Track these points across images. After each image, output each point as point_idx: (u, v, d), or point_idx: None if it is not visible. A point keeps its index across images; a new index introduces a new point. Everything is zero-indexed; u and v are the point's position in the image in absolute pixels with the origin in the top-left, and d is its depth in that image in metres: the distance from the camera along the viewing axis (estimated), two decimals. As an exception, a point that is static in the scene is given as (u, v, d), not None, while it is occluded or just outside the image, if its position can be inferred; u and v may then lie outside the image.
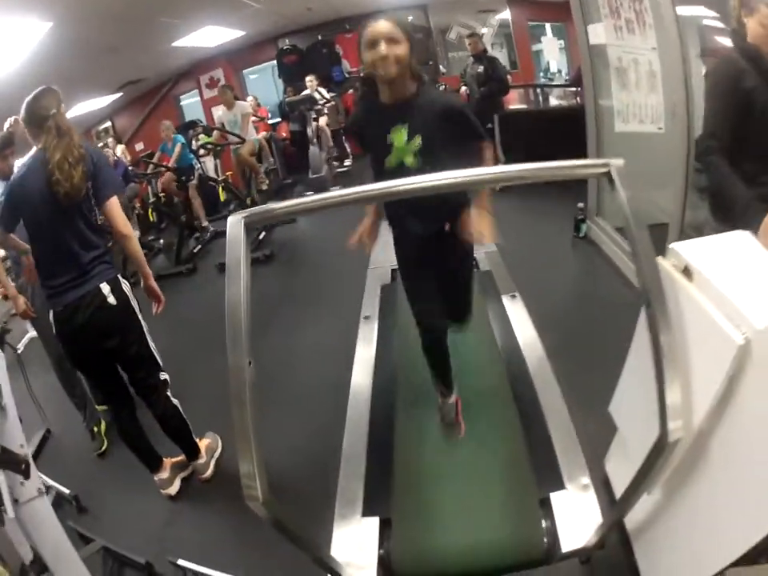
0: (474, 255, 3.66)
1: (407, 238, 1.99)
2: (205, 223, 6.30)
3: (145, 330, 2.22)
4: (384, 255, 3.41)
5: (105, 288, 2.04)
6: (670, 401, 1.06)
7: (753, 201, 1.60)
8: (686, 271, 1.32)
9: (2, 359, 1.47)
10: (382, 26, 1.62)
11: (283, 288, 4.17)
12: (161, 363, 2.30)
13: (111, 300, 2.05)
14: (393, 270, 3.48)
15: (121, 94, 7.60)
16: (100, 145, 8.26)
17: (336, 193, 1.20)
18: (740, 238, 1.46)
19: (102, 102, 7.44)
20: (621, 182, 1.08)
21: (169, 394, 2.32)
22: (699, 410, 1.24)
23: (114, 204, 2.09)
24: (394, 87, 1.70)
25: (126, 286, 2.14)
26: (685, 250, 1.36)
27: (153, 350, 2.26)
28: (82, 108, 6.89)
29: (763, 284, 1.20)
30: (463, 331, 2.37)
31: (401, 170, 1.72)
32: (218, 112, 6.49)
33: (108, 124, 8.46)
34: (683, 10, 2.77)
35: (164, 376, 2.31)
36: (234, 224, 1.15)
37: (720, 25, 2.56)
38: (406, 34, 1.64)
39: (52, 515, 1.51)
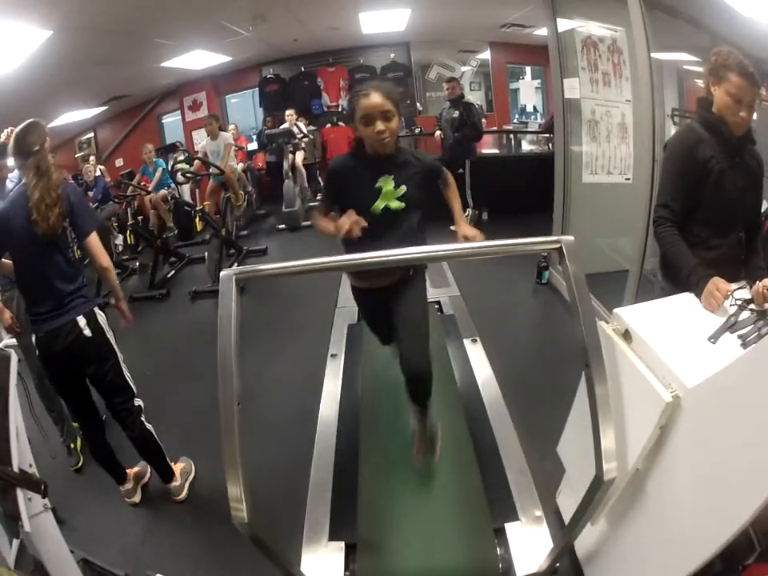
0: (439, 299, 3.83)
1: (368, 288, 2.16)
2: (170, 224, 6.56)
3: (120, 359, 2.33)
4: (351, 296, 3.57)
5: (81, 321, 2.16)
6: (604, 446, 1.23)
7: (697, 267, 1.72)
8: (626, 334, 1.50)
9: (14, 390, 1.57)
10: (376, 102, 1.77)
11: (253, 322, 4.15)
12: (135, 390, 2.40)
13: (87, 332, 2.17)
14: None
15: (106, 107, 7.66)
16: (80, 155, 8.31)
17: (323, 259, 1.33)
18: (684, 300, 1.65)
19: (87, 113, 7.48)
20: (570, 257, 1.25)
21: (143, 419, 2.42)
22: (634, 454, 1.42)
23: (93, 239, 2.23)
24: (384, 148, 1.87)
25: (101, 318, 2.25)
26: (627, 314, 1.54)
27: (127, 378, 2.36)
28: (68, 117, 6.94)
29: (698, 345, 1.39)
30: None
31: (385, 214, 1.91)
32: (202, 141, 6.51)
33: (91, 135, 8.47)
34: (664, 56, 2.96)
35: (138, 402, 2.41)
36: (226, 280, 1.27)
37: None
38: (396, 106, 1.82)
39: (56, 529, 1.62)
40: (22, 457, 1.51)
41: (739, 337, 1.37)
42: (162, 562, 2.16)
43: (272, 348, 3.79)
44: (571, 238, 1.27)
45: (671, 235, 1.88)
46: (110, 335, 2.27)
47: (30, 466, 1.57)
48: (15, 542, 1.46)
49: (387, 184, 1.90)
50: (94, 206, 6.31)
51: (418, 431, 2.21)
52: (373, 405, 2.64)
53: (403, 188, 1.91)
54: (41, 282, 2.11)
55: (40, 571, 1.50)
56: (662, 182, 2.00)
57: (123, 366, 2.34)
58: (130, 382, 2.37)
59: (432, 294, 3.78)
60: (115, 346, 2.30)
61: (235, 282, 1.26)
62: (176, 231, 6.70)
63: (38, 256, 2.09)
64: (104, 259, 2.26)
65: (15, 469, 1.44)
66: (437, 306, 3.83)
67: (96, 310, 2.23)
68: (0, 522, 1.44)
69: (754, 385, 1.09)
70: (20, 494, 1.41)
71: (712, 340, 1.40)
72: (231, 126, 7.84)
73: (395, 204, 1.91)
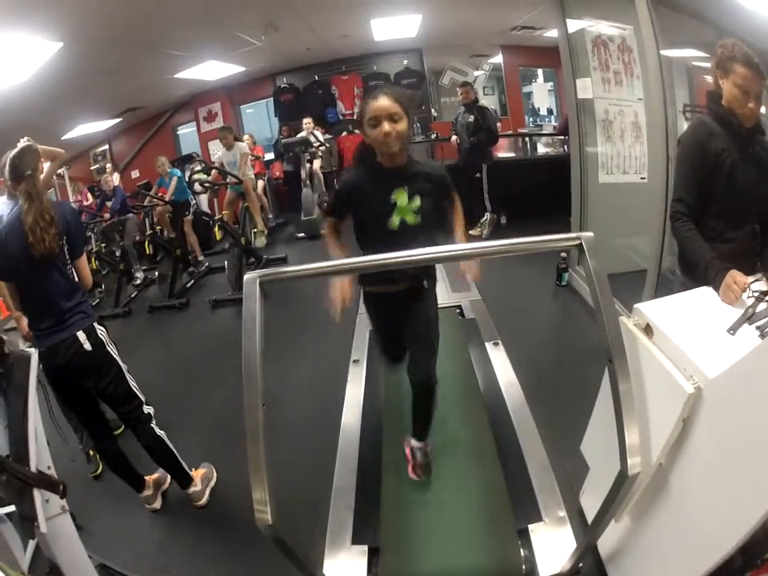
0: (460, 303, 3.83)
1: (378, 296, 2.20)
2: (201, 257, 6.48)
3: (124, 369, 2.35)
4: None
5: (81, 336, 2.19)
6: (628, 441, 1.23)
7: (714, 260, 1.72)
8: (648, 328, 1.49)
9: (34, 391, 1.60)
10: (384, 104, 1.76)
11: (274, 329, 4.12)
12: (143, 398, 2.42)
13: (87, 346, 2.20)
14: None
15: (120, 119, 7.75)
16: (96, 167, 8.42)
17: (344, 261, 1.36)
18: (703, 294, 1.65)
19: (101, 125, 7.58)
20: (590, 253, 1.25)
21: (153, 425, 2.43)
22: (657, 448, 1.41)
23: (83, 262, 2.30)
24: (394, 157, 1.87)
25: (101, 331, 2.29)
26: (648, 309, 1.54)
27: (133, 388, 2.39)
28: (82, 129, 7.05)
29: (718, 338, 1.39)
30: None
31: (402, 228, 1.90)
32: (218, 152, 6.60)
33: (106, 147, 8.58)
34: (673, 53, 2.95)
35: (147, 410, 2.43)
36: (250, 283, 1.29)
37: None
38: (405, 110, 1.80)
39: (74, 531, 1.63)
40: (40, 458, 1.53)
41: (757, 328, 1.37)
42: (181, 567, 2.19)
43: (294, 354, 3.80)
44: (591, 234, 1.28)
45: (688, 230, 1.88)
46: (110, 348, 2.30)
47: (49, 467, 1.58)
48: (31, 544, 1.49)
49: (401, 197, 1.88)
50: (110, 216, 6.40)
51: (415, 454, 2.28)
52: (395, 410, 2.64)
53: (417, 200, 1.89)
54: (41, 300, 2.16)
55: (55, 574, 1.52)
56: (677, 177, 2.01)
57: (128, 376, 2.36)
58: (137, 391, 2.39)
59: (453, 298, 3.80)
60: (117, 358, 2.33)
61: (259, 285, 1.28)
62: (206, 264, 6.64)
63: (37, 276, 2.13)
64: (89, 282, 2.34)
65: (33, 469, 1.46)
66: (458, 311, 3.84)
67: (96, 324, 2.27)
68: (14, 523, 1.46)
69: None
70: (37, 494, 1.43)
71: (731, 332, 1.39)
72: (246, 137, 7.87)
73: (411, 218, 1.90)
